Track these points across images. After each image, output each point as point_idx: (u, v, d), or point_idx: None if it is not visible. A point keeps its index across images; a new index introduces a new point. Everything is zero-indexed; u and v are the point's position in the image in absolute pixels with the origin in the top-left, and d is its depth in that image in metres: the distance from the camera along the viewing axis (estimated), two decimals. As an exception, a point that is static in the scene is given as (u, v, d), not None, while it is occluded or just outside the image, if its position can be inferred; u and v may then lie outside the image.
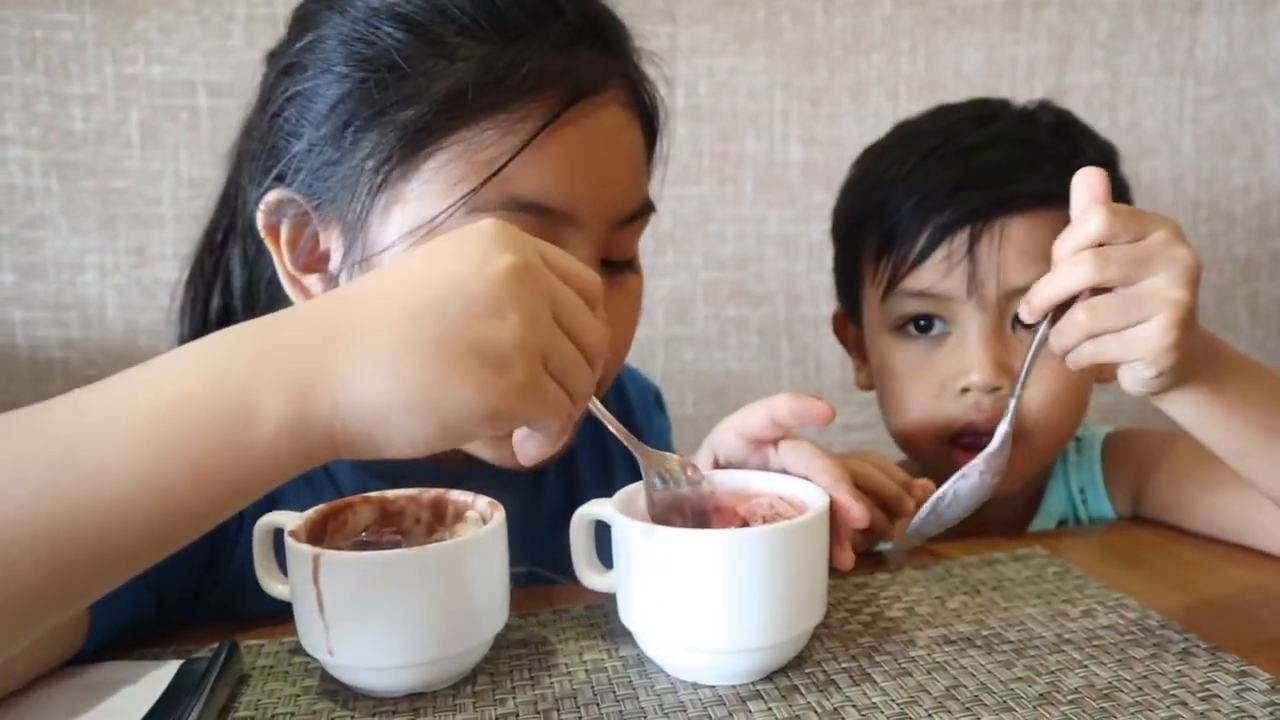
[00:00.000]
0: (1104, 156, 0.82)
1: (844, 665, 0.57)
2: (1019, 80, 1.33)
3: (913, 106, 1.29)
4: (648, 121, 0.70)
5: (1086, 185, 0.56)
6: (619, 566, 0.58)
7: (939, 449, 0.81)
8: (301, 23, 0.66)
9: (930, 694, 0.53)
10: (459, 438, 0.45)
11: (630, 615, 0.57)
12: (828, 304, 1.29)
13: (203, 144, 1.14)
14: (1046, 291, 0.56)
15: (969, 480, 0.59)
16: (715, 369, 1.27)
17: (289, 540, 0.56)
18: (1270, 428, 0.61)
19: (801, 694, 0.54)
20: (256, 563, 0.60)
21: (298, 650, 0.59)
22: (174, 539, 0.43)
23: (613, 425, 0.57)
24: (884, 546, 0.76)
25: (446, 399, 0.44)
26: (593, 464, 0.84)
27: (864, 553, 0.73)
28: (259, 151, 0.67)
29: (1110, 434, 0.87)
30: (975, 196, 0.77)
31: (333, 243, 0.64)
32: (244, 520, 0.66)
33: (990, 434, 0.77)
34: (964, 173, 0.78)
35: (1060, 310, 0.56)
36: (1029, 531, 0.85)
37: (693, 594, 0.54)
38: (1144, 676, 0.55)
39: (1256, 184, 1.42)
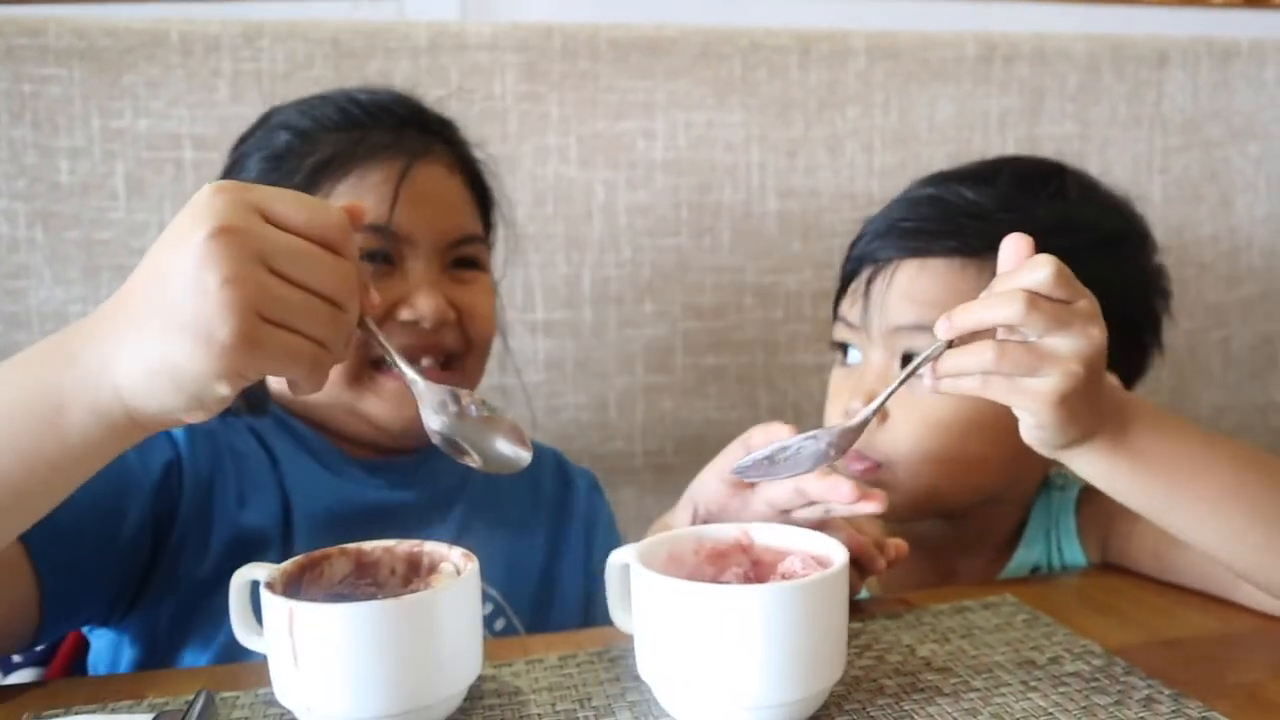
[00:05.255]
0: (1062, 219, 0.83)
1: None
2: (991, 132, 1.36)
3: (887, 158, 1.32)
4: (477, 186, 0.92)
5: (1013, 252, 0.60)
6: (640, 619, 0.57)
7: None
8: (233, 153, 0.91)
9: (897, 742, 0.54)
10: (211, 399, 0.53)
11: (652, 669, 0.57)
12: (805, 352, 1.31)
13: (187, 196, 1.13)
14: (971, 316, 0.59)
15: (817, 443, 0.61)
16: (694, 417, 1.28)
17: (264, 592, 0.56)
18: (1187, 485, 0.63)
19: (770, 743, 0.54)
20: (233, 615, 0.61)
21: (273, 702, 0.59)
22: (22, 515, 0.57)
23: (385, 345, 0.61)
24: (859, 595, 0.77)
25: (176, 371, 0.51)
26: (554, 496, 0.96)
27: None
28: None
29: (1086, 484, 0.88)
30: (887, 241, 0.85)
31: None
32: (187, 531, 0.77)
33: (864, 459, 0.81)
34: (891, 220, 0.86)
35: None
36: (1001, 578, 0.86)
37: (730, 649, 0.53)
38: (1107, 723, 0.56)
39: (1225, 232, 1.45)
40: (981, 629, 0.69)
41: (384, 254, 0.83)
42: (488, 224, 0.96)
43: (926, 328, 0.79)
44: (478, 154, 0.94)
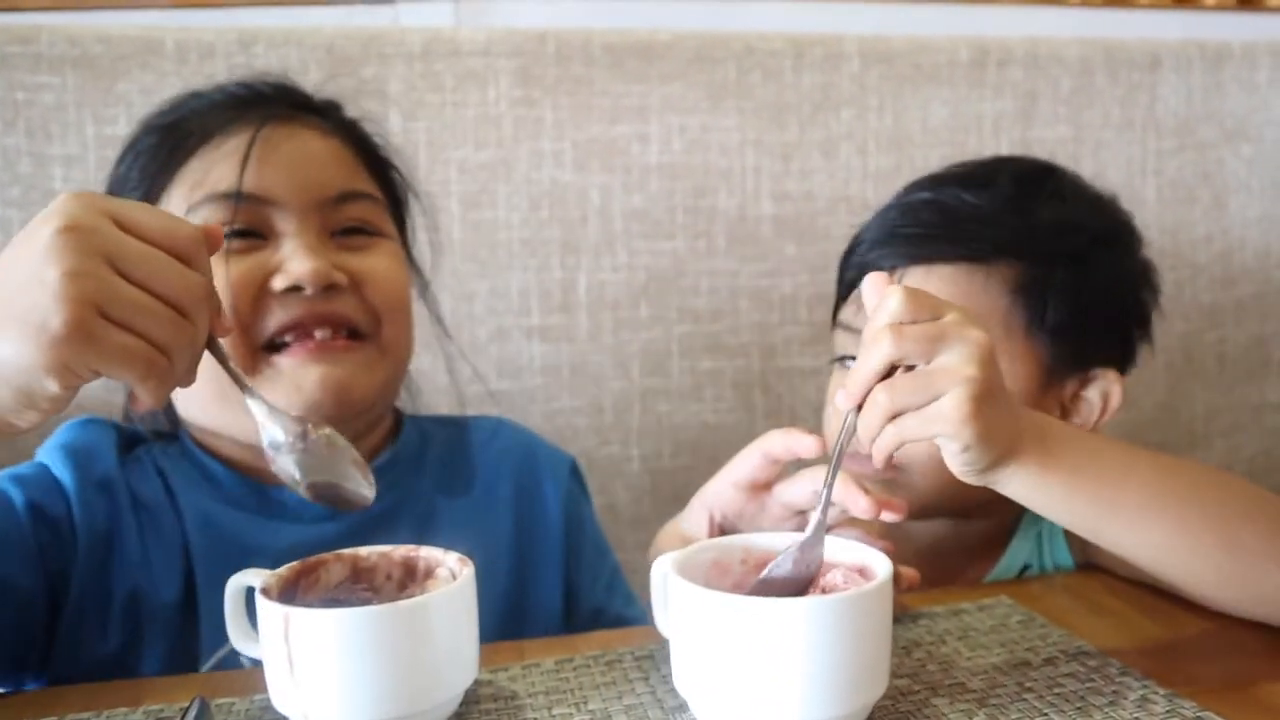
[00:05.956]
0: (1065, 220, 0.84)
1: (809, 716, 0.57)
2: (985, 135, 1.36)
3: (881, 161, 1.33)
4: (367, 153, 0.85)
5: (872, 291, 0.59)
6: (678, 630, 0.57)
7: None
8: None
9: (893, 744, 0.54)
10: (41, 396, 0.52)
11: (690, 681, 0.56)
12: (801, 356, 1.32)
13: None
14: (858, 375, 0.58)
15: (782, 569, 0.59)
16: (691, 421, 1.28)
17: (260, 598, 0.56)
18: (1112, 498, 0.63)
19: (766, 746, 0.54)
20: (229, 621, 0.60)
21: (269, 708, 0.59)
22: None
23: (233, 371, 0.60)
24: None
25: (4, 363, 0.51)
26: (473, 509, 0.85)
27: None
28: None
29: None
30: (890, 248, 0.84)
31: None
32: (85, 596, 0.71)
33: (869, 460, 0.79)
34: (891, 227, 0.85)
35: None
36: (992, 576, 0.87)
37: (771, 663, 0.53)
38: (1102, 724, 0.56)
39: (1219, 233, 1.45)
40: (977, 630, 0.69)
41: (249, 230, 0.75)
42: (393, 197, 0.88)
43: None
44: (373, 129, 0.88)
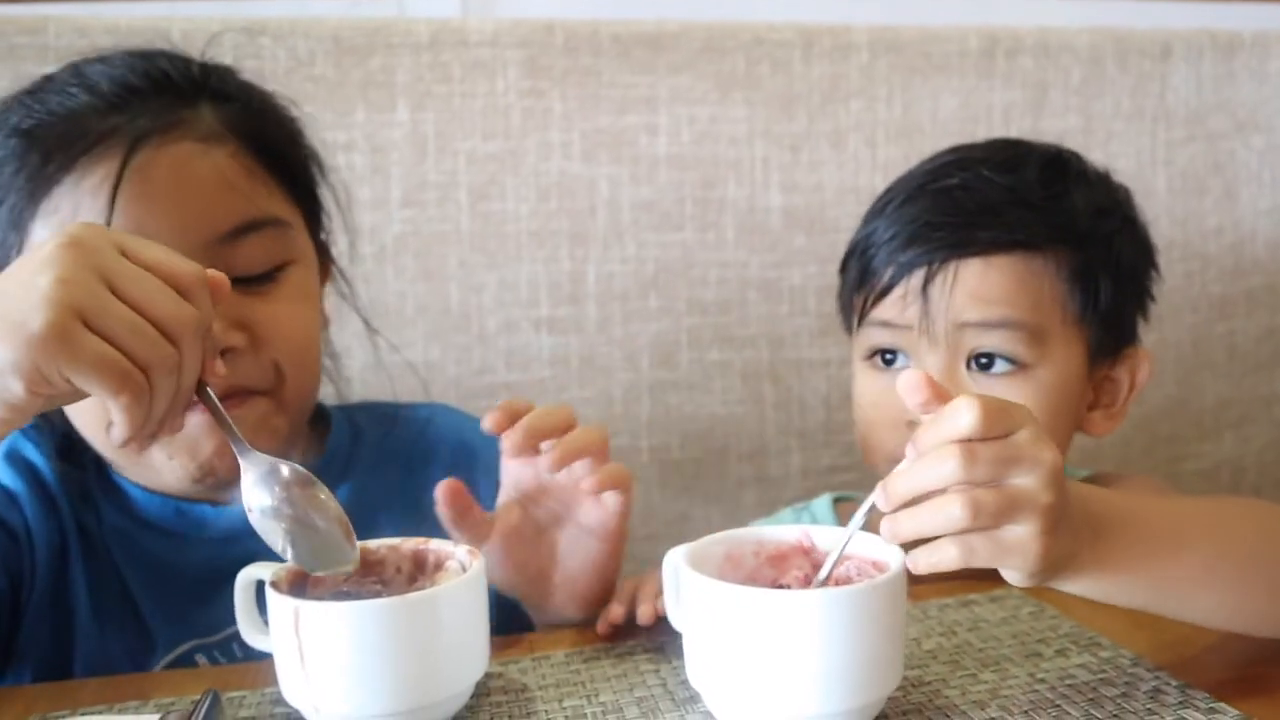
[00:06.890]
0: (1096, 204, 0.84)
1: (821, 709, 0.57)
2: (995, 125, 1.35)
3: (890, 152, 1.32)
4: (267, 149, 0.75)
5: (908, 391, 0.54)
6: (691, 623, 0.57)
7: None
8: None
9: (905, 737, 0.54)
10: (12, 397, 0.51)
11: (704, 674, 0.56)
12: (810, 347, 1.31)
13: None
14: (908, 483, 0.53)
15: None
16: (700, 413, 1.28)
17: (270, 591, 0.57)
18: (1165, 578, 0.59)
19: (778, 738, 0.54)
20: (238, 614, 0.60)
21: (280, 701, 0.59)
22: None
23: (225, 419, 0.58)
24: None
25: None
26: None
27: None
28: None
29: (1086, 477, 0.88)
30: (935, 238, 0.80)
31: None
32: (42, 601, 0.71)
33: None
34: (930, 216, 0.82)
35: None
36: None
37: (786, 655, 0.52)
38: (1115, 715, 0.56)
39: (1229, 224, 1.44)
40: (988, 622, 0.69)
41: None
42: (311, 205, 0.79)
43: (994, 325, 0.79)
44: (285, 108, 0.79)
